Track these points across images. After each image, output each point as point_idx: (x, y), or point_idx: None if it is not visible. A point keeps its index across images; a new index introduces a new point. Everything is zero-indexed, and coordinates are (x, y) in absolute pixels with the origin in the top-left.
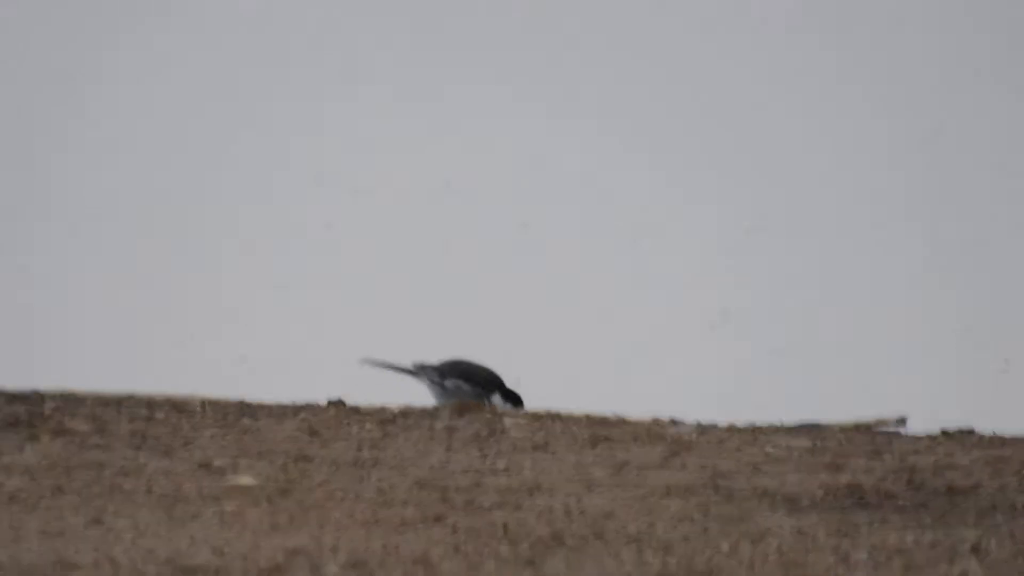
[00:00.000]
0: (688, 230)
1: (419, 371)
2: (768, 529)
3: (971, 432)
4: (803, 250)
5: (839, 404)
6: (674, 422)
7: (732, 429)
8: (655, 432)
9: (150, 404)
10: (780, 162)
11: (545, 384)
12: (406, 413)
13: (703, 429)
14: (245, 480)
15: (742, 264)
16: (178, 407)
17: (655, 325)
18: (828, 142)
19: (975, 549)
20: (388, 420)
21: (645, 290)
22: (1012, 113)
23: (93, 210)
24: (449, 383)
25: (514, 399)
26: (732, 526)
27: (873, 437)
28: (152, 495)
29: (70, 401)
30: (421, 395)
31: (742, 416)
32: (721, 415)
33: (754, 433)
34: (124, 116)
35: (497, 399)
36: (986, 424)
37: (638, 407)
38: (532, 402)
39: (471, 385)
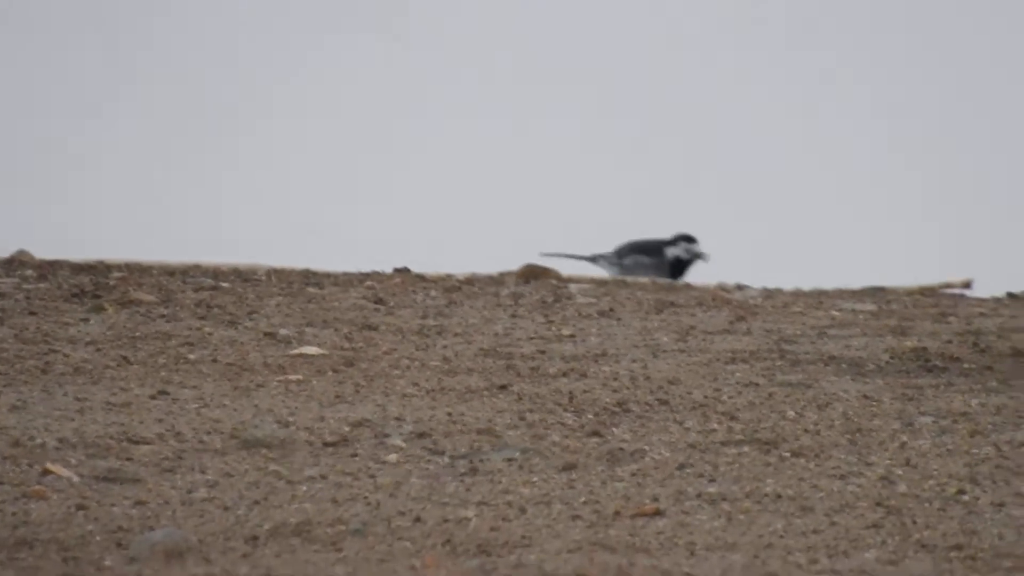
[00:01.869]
0: (744, 98)
1: (597, 259)
2: (833, 394)
3: None
4: (867, 106)
5: (905, 267)
6: (739, 287)
7: (797, 293)
8: (720, 297)
9: (215, 273)
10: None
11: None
12: (471, 280)
13: (768, 293)
14: (310, 350)
15: (806, 126)
16: (243, 276)
17: (717, 190)
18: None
19: None
20: (453, 287)
21: (709, 157)
22: None
23: (154, 77)
24: (628, 261)
25: (687, 239)
26: (797, 392)
27: (938, 300)
28: (217, 365)
29: (135, 271)
30: (486, 264)
31: (807, 280)
32: (786, 279)
33: (819, 297)
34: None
35: (673, 251)
36: None
37: (704, 271)
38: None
39: (650, 256)
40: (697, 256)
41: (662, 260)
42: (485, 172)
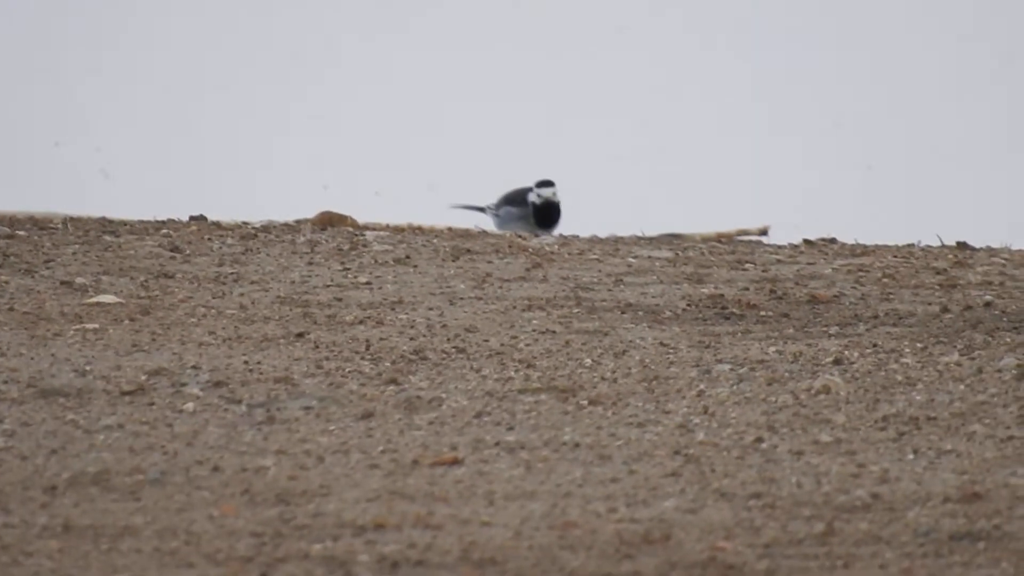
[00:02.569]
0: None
1: (486, 209)
2: (630, 342)
3: (833, 241)
4: (661, 51)
5: (700, 214)
6: (536, 234)
7: (593, 240)
8: (516, 244)
9: (11, 222)
10: None
11: (408, 195)
12: (267, 228)
13: (564, 240)
14: (107, 298)
15: (603, 66)
16: (39, 224)
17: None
18: None
19: (837, 361)
20: (249, 235)
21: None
22: None
23: None
24: (501, 211)
25: (539, 183)
26: (594, 340)
27: (735, 247)
28: (14, 314)
29: None
30: (280, 213)
31: (603, 228)
32: (583, 227)
33: (615, 244)
34: None
35: (531, 197)
36: (848, 232)
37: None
38: (397, 216)
39: (517, 206)
40: (548, 201)
41: (527, 209)
42: (282, 119)
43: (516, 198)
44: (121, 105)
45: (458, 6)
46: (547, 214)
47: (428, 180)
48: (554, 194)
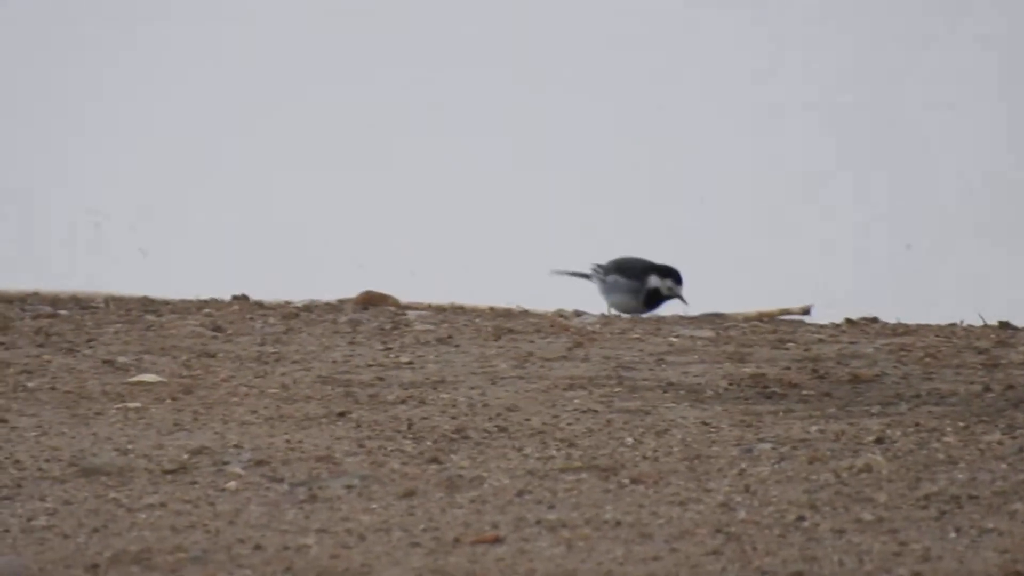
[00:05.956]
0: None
1: (592, 273)
2: (672, 421)
3: (875, 320)
4: (687, 125)
5: (743, 293)
6: (577, 313)
7: (635, 320)
8: (558, 324)
9: (54, 301)
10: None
11: (449, 276)
12: (309, 307)
13: (606, 320)
14: (149, 377)
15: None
16: (82, 304)
17: (552, 218)
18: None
19: (879, 440)
20: (291, 315)
21: (520, 186)
22: None
23: None
24: (609, 279)
25: (674, 276)
26: (636, 418)
27: (777, 326)
28: (56, 393)
29: None
30: (324, 291)
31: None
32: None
33: (657, 324)
34: None
35: (655, 280)
36: (890, 312)
37: (541, 299)
38: (438, 295)
39: (626, 277)
40: (676, 297)
41: (641, 286)
42: (322, 196)
43: (629, 270)
44: (159, 184)
45: (490, 92)
46: (658, 302)
47: (463, 261)
48: (673, 290)
